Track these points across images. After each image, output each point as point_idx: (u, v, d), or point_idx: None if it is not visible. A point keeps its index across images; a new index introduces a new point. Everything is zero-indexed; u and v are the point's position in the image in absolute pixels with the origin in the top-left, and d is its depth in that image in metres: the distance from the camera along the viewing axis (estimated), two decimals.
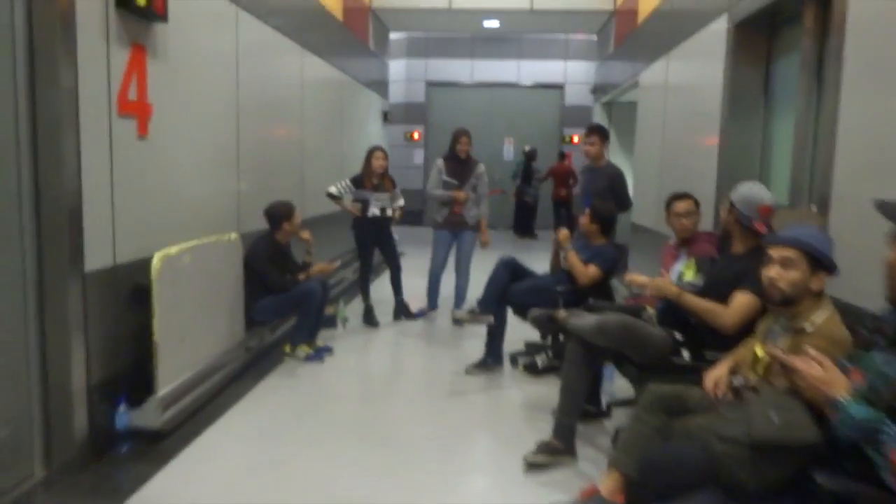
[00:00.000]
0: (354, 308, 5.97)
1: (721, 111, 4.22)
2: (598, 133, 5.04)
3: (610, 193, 4.92)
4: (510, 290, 4.46)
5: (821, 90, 3.32)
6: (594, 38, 14.92)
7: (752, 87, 4.10)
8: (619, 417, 3.68)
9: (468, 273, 5.75)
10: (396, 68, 13.50)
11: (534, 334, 4.84)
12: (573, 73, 14.87)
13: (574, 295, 4.37)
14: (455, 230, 5.71)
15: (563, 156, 13.21)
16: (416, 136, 14.66)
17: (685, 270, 3.53)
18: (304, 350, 4.62)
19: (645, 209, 6.70)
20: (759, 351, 2.26)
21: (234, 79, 4.47)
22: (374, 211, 5.62)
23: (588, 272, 4.35)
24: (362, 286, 5.83)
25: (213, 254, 3.92)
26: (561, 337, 4.06)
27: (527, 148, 13.21)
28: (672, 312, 3.01)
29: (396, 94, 13.48)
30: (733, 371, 2.35)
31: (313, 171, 6.41)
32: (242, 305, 4.40)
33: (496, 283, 4.48)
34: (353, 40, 8.33)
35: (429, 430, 3.58)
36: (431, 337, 5.52)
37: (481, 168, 5.75)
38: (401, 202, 5.85)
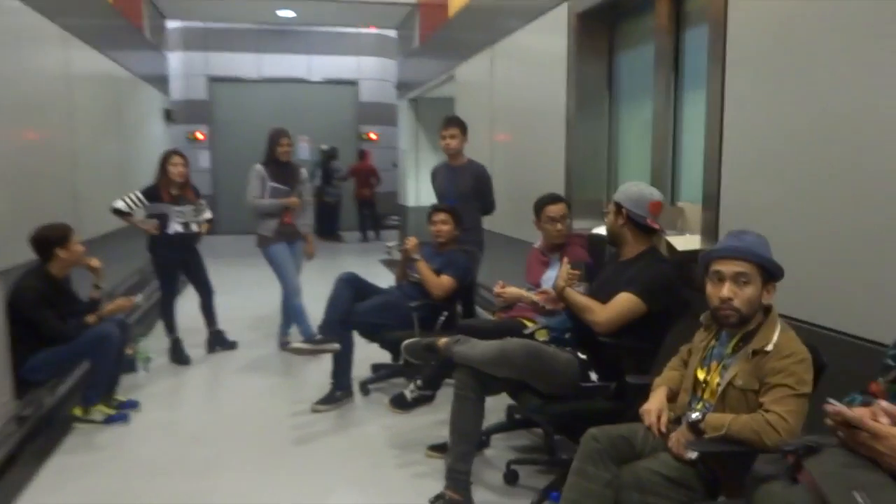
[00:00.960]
0: (156, 343, 4.98)
1: (567, 106, 4.04)
2: (459, 125, 4.57)
3: (475, 195, 4.54)
4: (355, 310, 3.91)
5: (678, 85, 3.23)
6: (390, 33, 14.76)
7: (597, 80, 3.97)
8: (498, 446, 3.33)
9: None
10: (173, 62, 12.04)
11: (380, 355, 4.34)
12: (368, 69, 14.49)
13: (429, 309, 3.95)
14: (290, 241, 4.98)
15: (363, 154, 12.79)
16: (200, 136, 13.27)
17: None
18: (101, 410, 3.66)
19: None
20: (701, 374, 2.00)
21: None
22: (175, 227, 4.70)
23: (441, 283, 3.95)
24: (166, 317, 4.87)
25: None
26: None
27: (325, 147, 12.57)
28: (578, 330, 2.70)
29: (175, 90, 12.03)
30: (670, 399, 2.07)
31: (87, 183, 5.25)
32: (8, 366, 3.34)
33: (339, 303, 3.90)
34: (126, 27, 7.09)
35: (281, 498, 2.92)
36: (259, 370, 4.76)
37: (304, 173, 5.10)
38: (207, 214, 4.98)
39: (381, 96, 14.60)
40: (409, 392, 3.37)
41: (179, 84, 12.77)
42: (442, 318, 3.95)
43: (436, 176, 4.82)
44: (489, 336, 2.99)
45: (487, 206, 4.55)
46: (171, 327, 4.87)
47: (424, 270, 3.96)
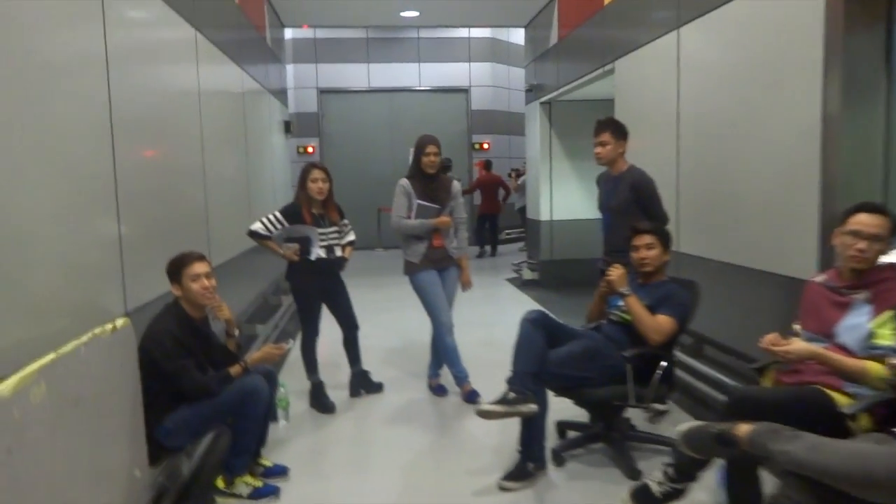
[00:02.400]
0: (292, 382, 4.34)
1: (824, 93, 3.06)
2: (611, 128, 3.75)
3: (635, 208, 3.66)
4: (548, 359, 3.08)
5: None
6: (506, 35, 13.98)
7: (871, 58, 2.98)
8: None
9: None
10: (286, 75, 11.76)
11: (567, 411, 3.49)
12: (478, 76, 13.81)
13: (644, 359, 3.08)
14: (440, 267, 4.25)
15: (489, 164, 12.06)
16: (310, 149, 12.95)
17: (877, 329, 2.30)
18: (247, 482, 2.99)
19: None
20: None
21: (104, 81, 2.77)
22: (317, 252, 4.04)
23: (659, 325, 3.07)
24: (307, 356, 4.21)
25: (86, 365, 2.23)
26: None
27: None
28: None
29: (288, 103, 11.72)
30: None
31: (218, 204, 4.70)
32: (142, 428, 2.72)
33: (531, 351, 3.10)
34: (251, 30, 6.63)
35: None
36: (414, 421, 4.00)
37: (457, 186, 4.33)
38: (351, 237, 4.31)
39: (494, 103, 13.89)
40: (654, 484, 2.50)
41: (290, 96, 12.49)
42: (659, 372, 3.06)
43: (599, 186, 3.99)
44: (785, 412, 2.10)
45: (655, 220, 3.59)
46: (312, 368, 4.20)
47: (638, 309, 3.09)
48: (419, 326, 4.33)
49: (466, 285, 4.36)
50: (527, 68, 8.92)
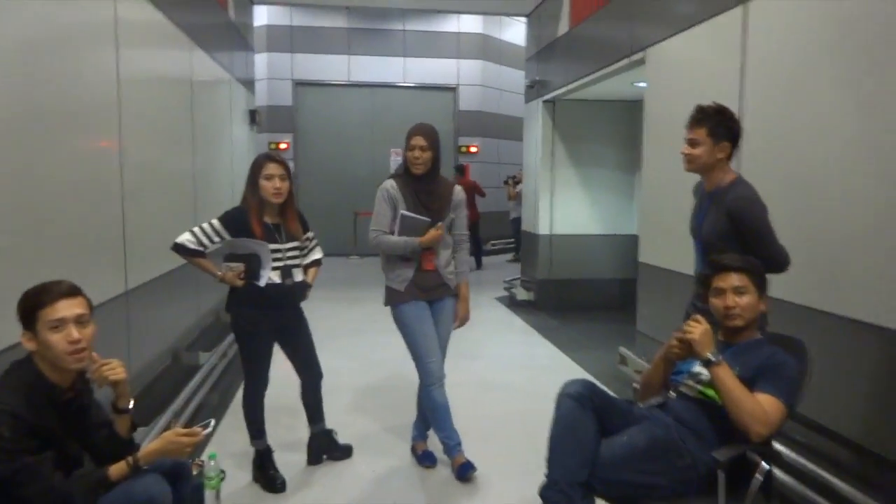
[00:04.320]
0: (232, 443, 3.28)
1: None
2: (710, 125, 2.61)
3: (734, 240, 2.60)
4: (600, 458, 2.08)
5: None
6: (495, 33, 12.97)
7: None
8: None
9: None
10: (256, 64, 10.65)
11: None
12: (467, 74, 12.83)
13: (738, 464, 2.09)
14: (432, 298, 3.21)
15: (461, 169, 10.96)
16: (283, 146, 11.84)
17: None
18: None
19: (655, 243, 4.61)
20: None
21: None
22: (268, 276, 2.98)
23: (765, 411, 2.07)
24: (250, 415, 3.13)
25: None
26: None
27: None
28: None
29: (257, 95, 10.64)
30: None
31: (145, 206, 3.63)
32: None
33: (578, 447, 2.11)
34: (209, 3, 5.55)
35: None
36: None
37: (460, 193, 3.30)
38: (317, 254, 3.26)
39: (484, 104, 12.92)
40: None
41: (263, 87, 11.39)
42: (759, 478, 2.07)
43: (695, 197, 2.92)
44: None
45: (767, 261, 2.52)
46: (257, 431, 3.12)
47: (734, 386, 2.09)
48: (403, 357, 3.32)
49: (462, 320, 3.33)
50: (528, 63, 7.94)
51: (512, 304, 7.65)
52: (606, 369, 4.80)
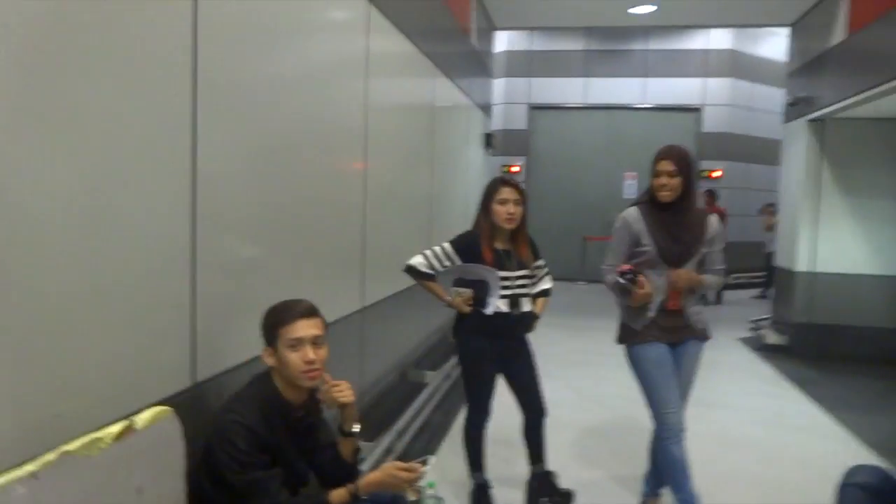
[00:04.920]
0: (450, 470, 3.22)
1: None
2: None
3: None
4: None
5: None
6: (747, 48, 11.86)
7: None
8: None
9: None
10: (494, 89, 10.91)
11: None
12: (714, 93, 11.89)
13: None
14: (674, 340, 2.87)
15: (711, 195, 9.97)
16: (515, 169, 11.95)
17: None
18: None
19: None
20: None
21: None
22: (495, 305, 2.87)
23: None
24: (471, 446, 3.04)
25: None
26: None
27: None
28: None
29: (494, 118, 10.86)
30: None
31: (382, 223, 3.76)
32: None
33: None
34: (454, 31, 5.73)
35: None
36: None
37: (715, 224, 2.89)
38: (547, 284, 3.08)
39: (731, 125, 11.87)
40: None
41: (499, 111, 11.65)
42: None
43: None
44: None
45: None
46: (476, 463, 3.02)
47: None
48: (634, 397, 3.00)
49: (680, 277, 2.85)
50: (789, 78, 7.06)
51: (759, 347, 6.78)
52: (886, 439, 3.96)
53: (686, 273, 2.74)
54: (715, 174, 11.80)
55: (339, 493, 1.86)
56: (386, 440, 3.32)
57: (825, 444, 4.06)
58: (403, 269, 2.96)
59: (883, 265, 6.21)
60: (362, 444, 2.25)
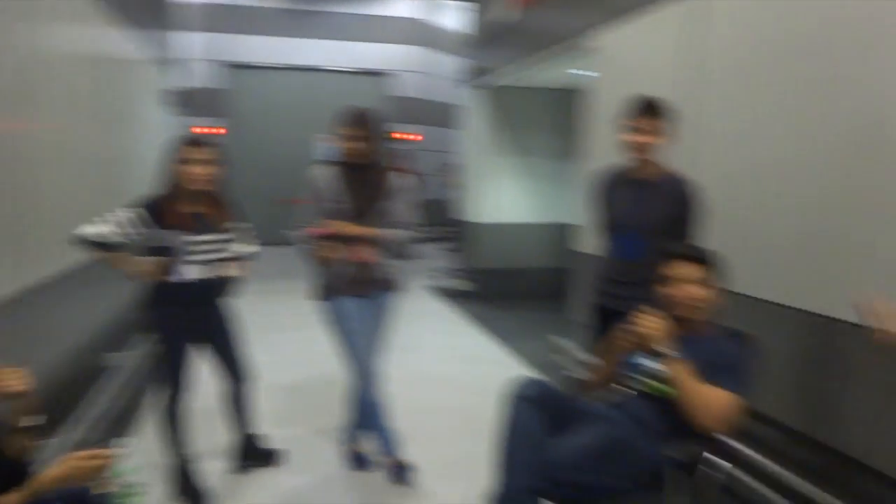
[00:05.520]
0: (150, 459, 3.01)
1: None
2: (662, 115, 2.67)
3: (677, 227, 2.63)
4: (551, 459, 1.96)
5: None
6: (435, 18, 12.63)
7: None
8: None
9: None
10: (182, 45, 10.06)
11: None
12: (405, 59, 12.57)
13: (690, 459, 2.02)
14: (365, 292, 3.00)
15: (403, 156, 10.60)
16: (208, 129, 11.28)
17: None
18: None
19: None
20: None
21: None
22: (188, 270, 2.71)
23: (718, 403, 2.01)
24: (170, 425, 2.85)
25: None
26: None
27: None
28: None
29: (182, 77, 10.08)
30: None
31: (53, 185, 3.28)
32: None
33: (530, 452, 1.95)
34: None
35: None
36: None
37: (396, 179, 3.07)
38: (246, 247, 2.99)
39: (422, 91, 12.71)
40: None
41: (188, 69, 10.84)
42: (708, 472, 2.02)
43: (608, 190, 2.88)
44: None
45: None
46: (177, 440, 2.86)
47: (692, 383, 2.02)
48: (334, 355, 3.13)
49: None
50: (466, 47, 7.78)
51: (449, 294, 7.51)
52: (542, 359, 4.74)
53: (369, 228, 2.87)
54: (407, 136, 12.57)
55: (7, 500, 1.62)
56: (72, 433, 2.97)
57: (503, 371, 4.69)
58: (74, 239, 2.63)
59: (545, 215, 7.29)
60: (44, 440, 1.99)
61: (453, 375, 4.62)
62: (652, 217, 2.67)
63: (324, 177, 2.91)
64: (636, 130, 2.64)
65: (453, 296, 7.39)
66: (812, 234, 2.65)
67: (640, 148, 2.67)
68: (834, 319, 2.53)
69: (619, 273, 2.79)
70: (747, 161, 3.04)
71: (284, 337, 5.51)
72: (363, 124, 2.87)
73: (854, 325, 2.35)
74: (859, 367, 2.44)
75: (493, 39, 6.96)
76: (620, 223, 2.81)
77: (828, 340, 2.58)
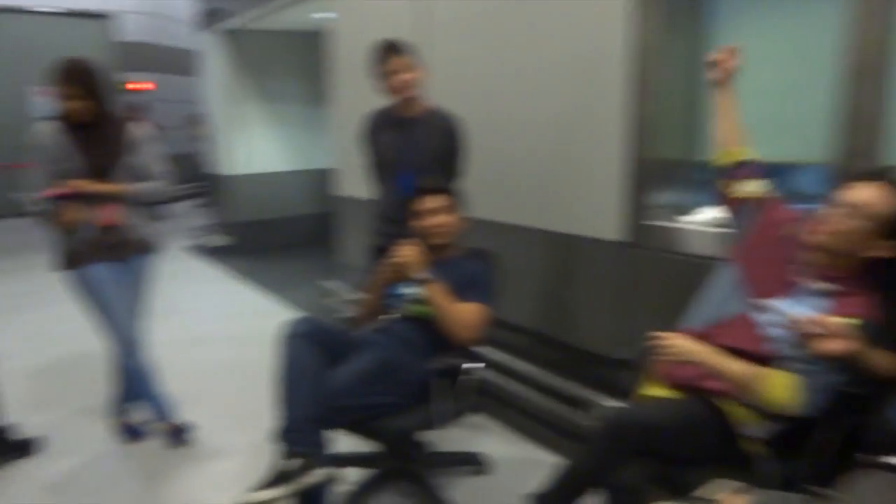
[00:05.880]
0: None
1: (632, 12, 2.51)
2: (411, 52, 2.78)
3: (440, 161, 2.84)
4: (330, 389, 2.11)
5: None
6: None
7: None
8: None
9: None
10: None
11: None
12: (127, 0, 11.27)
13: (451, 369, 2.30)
14: (116, 256, 2.80)
15: (135, 109, 9.66)
16: None
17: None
18: None
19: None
20: None
21: None
22: None
23: (472, 316, 2.32)
24: None
25: None
26: None
27: None
28: None
29: None
30: None
31: None
32: None
33: (309, 384, 2.07)
34: None
35: None
36: (105, 495, 2.64)
37: (136, 132, 2.85)
38: None
39: (147, 34, 11.55)
40: None
41: None
42: (466, 377, 2.33)
43: (374, 132, 3.00)
44: (678, 438, 1.69)
45: (452, 177, 2.87)
46: None
47: (445, 300, 2.27)
48: (87, 329, 2.93)
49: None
50: None
51: (207, 251, 7.21)
52: (313, 305, 4.84)
53: (113, 184, 2.69)
54: (139, 86, 11.44)
55: None
56: None
57: (275, 321, 4.69)
58: None
59: (298, 162, 7.24)
60: None
61: (226, 333, 4.53)
62: (420, 154, 2.80)
63: (50, 135, 2.63)
64: (392, 72, 2.75)
65: (214, 253, 7.11)
66: (543, 162, 3.02)
67: (402, 87, 2.76)
68: (571, 236, 2.93)
69: (394, 212, 2.82)
70: (480, 109, 3.34)
71: (30, 317, 4.92)
72: (79, 81, 2.60)
73: (591, 240, 2.76)
74: (594, 276, 2.88)
75: None
76: (390, 163, 2.90)
77: (568, 255, 3.00)
